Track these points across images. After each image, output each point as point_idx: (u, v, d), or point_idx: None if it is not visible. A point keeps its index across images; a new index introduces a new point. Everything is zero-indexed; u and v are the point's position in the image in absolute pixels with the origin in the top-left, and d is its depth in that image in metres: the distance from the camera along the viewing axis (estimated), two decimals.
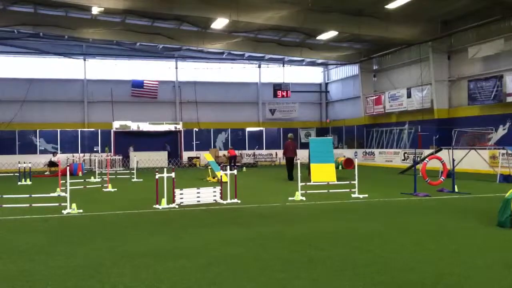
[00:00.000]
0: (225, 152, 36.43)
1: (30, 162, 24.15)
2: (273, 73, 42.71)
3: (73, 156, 34.97)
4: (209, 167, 23.28)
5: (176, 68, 40.90)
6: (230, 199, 13.88)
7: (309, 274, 6.32)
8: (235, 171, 14.68)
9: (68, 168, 13.05)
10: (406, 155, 30.86)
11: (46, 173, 28.74)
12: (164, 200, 12.91)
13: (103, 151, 36.66)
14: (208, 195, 13.87)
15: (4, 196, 12.28)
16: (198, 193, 13.73)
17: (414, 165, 16.77)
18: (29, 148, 35.84)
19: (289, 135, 23.87)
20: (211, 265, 6.79)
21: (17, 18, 29.92)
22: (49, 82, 37.80)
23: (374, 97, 36.74)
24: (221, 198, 13.88)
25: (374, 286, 5.82)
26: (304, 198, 14.24)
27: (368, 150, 36.00)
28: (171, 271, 6.52)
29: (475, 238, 8.64)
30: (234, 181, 14.36)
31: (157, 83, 39.19)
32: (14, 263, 7.06)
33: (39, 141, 36.64)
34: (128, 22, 31.59)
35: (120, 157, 34.74)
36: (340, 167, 29.58)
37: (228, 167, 17.05)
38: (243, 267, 6.73)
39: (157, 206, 12.88)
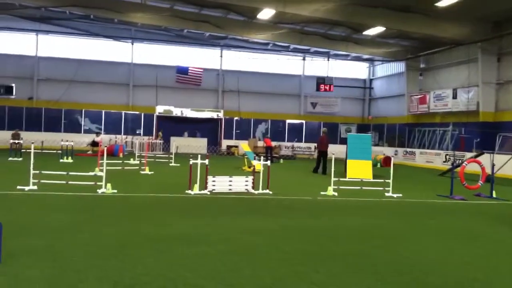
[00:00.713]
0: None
1: (72, 141, 24.83)
2: (317, 66, 42.44)
3: (116, 138, 35.76)
4: (246, 156, 23.44)
5: (221, 56, 41.14)
6: (262, 189, 13.92)
7: (328, 269, 6.30)
8: (268, 162, 14.68)
9: (106, 148, 13.36)
10: (447, 157, 30.20)
11: (88, 152, 29.46)
12: (196, 186, 13.07)
13: (146, 133, 37.27)
14: (240, 184, 13.96)
15: (43, 172, 12.66)
16: (230, 181, 13.83)
17: (453, 168, 16.43)
18: (74, 127, 36.88)
19: (323, 129, 24.26)
20: (232, 253, 6.86)
21: None
22: (97, 63, 38.67)
23: (419, 96, 36.05)
24: (252, 188, 13.94)
25: (392, 285, 5.77)
26: (336, 194, 14.15)
27: (409, 150, 35.39)
28: (191, 256, 6.62)
29: (505, 245, 8.43)
30: (268, 172, 14.39)
31: (201, 70, 39.52)
32: (42, 238, 7.29)
33: (84, 121, 37.62)
34: (176, 8, 31.95)
35: (161, 141, 35.28)
36: (378, 165, 29.20)
37: (262, 158, 16.95)
38: (263, 257, 6.77)
39: (189, 191, 13.05)
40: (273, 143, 36.70)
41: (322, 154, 22.43)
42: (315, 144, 25.23)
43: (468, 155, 25.87)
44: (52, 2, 31.34)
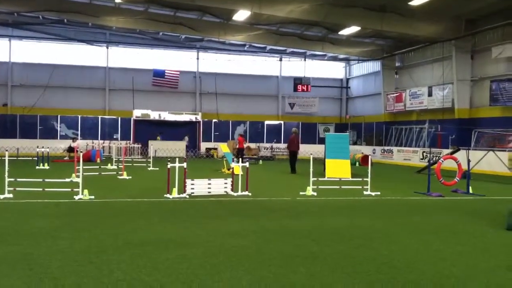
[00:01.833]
0: (248, 144, 36.44)
1: (48, 147, 24.53)
2: (294, 67, 42.60)
3: (93, 143, 35.42)
4: (225, 158, 23.36)
5: (198, 58, 41.03)
6: (241, 191, 13.90)
7: (307, 269, 6.31)
8: (247, 164, 14.67)
9: (81, 154, 13.21)
10: (424, 154, 30.53)
11: (65, 158, 29.13)
12: (175, 190, 13.00)
13: (123, 138, 36.98)
14: (219, 186, 13.92)
15: (18, 179, 12.46)
16: (209, 184, 13.78)
17: (429, 165, 16.59)
18: (50, 133, 36.40)
19: (293, 129, 24.86)
20: (211, 256, 6.83)
21: (42, 4, 30.37)
22: (72, 68, 38.24)
23: (395, 94, 36.43)
24: (232, 190, 13.92)
25: (370, 284, 5.79)
26: (315, 194, 14.20)
27: (386, 148, 35.71)
28: (170, 260, 6.57)
29: (482, 240, 8.52)
30: (246, 174, 14.38)
31: (178, 73, 39.36)
32: (19, 245, 7.19)
33: (60, 127, 37.15)
34: (151, 11, 31.77)
35: (139, 146, 35.03)
36: (357, 163, 29.42)
37: (235, 160, 16.87)
38: (242, 259, 6.74)
39: (167, 195, 12.97)
40: (251, 144, 36.80)
41: (293, 154, 23.12)
42: (286, 145, 25.53)
43: (445, 151, 26.20)
44: (25, 7, 30.90)
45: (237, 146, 28.36)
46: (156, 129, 37.08)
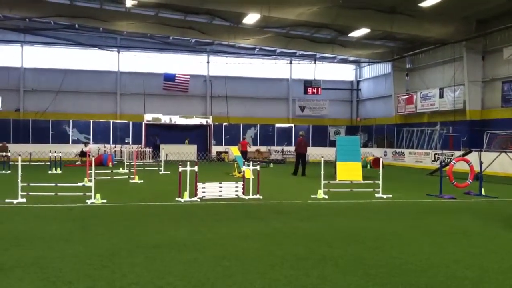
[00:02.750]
0: (258, 147, 36.56)
1: (61, 152, 24.70)
2: (304, 69, 42.54)
3: (105, 147, 35.62)
4: (235, 162, 23.41)
5: (208, 62, 41.14)
6: (252, 194, 13.92)
7: (319, 272, 6.30)
8: (258, 167, 14.68)
9: (94, 159, 13.30)
10: (436, 156, 30.37)
11: (77, 163, 29.31)
12: (186, 193, 13.04)
13: (135, 142, 37.15)
14: (230, 189, 13.96)
15: (31, 184, 12.57)
16: (220, 187, 13.82)
17: (441, 167, 16.51)
18: (62, 137, 36.64)
19: (301, 132, 25.22)
20: (223, 259, 6.84)
21: (53, 9, 30.58)
22: (84, 73, 38.52)
23: (406, 96, 36.28)
24: (243, 193, 13.94)
25: (383, 287, 5.78)
26: (326, 196, 14.17)
27: (398, 150, 35.57)
28: (182, 263, 6.60)
29: (495, 242, 8.47)
30: (257, 177, 14.40)
31: (188, 77, 39.51)
32: (33, 249, 7.26)
33: (72, 131, 37.39)
34: (161, 15, 31.93)
35: (150, 149, 35.17)
36: (368, 166, 29.34)
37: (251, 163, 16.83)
38: (254, 262, 6.76)
39: (179, 199, 13.02)
40: (261, 147, 36.87)
41: (301, 156, 23.36)
42: (294, 147, 25.89)
43: (457, 153, 26.04)
44: (36, 13, 31.18)
45: (241, 149, 28.36)
46: (164, 133, 37.19)
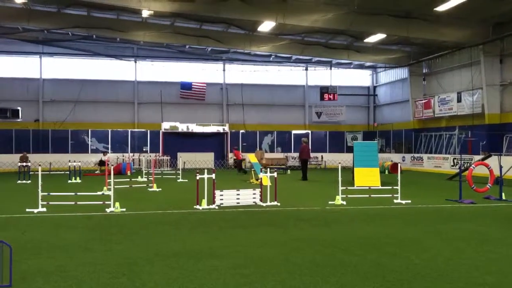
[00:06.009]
0: (274, 154, 36.64)
1: (80, 161, 24.95)
2: (320, 75, 42.45)
3: (123, 156, 35.89)
4: (253, 169, 23.45)
5: (224, 70, 41.29)
6: (270, 201, 13.93)
7: (338, 279, 6.30)
8: (275, 174, 14.68)
9: (112, 168, 13.42)
10: (455, 160, 30.08)
11: (96, 172, 29.59)
12: (204, 201, 13.10)
13: (153, 150, 37.38)
14: (247, 197, 13.99)
15: (51, 193, 12.73)
16: (238, 194, 13.87)
17: (460, 172, 16.36)
18: (81, 147, 36.97)
19: (303, 139, 26.32)
20: (241, 267, 6.87)
21: (71, 21, 30.94)
22: (101, 83, 38.91)
23: (424, 101, 36.02)
24: (260, 200, 13.95)
25: None
26: (344, 203, 14.12)
27: (416, 155, 35.30)
28: (201, 271, 6.64)
29: None
30: (275, 184, 14.41)
31: (205, 85, 39.68)
32: (53, 258, 7.36)
33: (90, 141, 37.70)
34: (177, 25, 32.16)
35: (168, 158, 35.36)
36: (386, 171, 29.16)
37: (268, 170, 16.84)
38: (273, 269, 6.76)
39: (197, 206, 13.08)
40: (278, 154, 36.92)
41: (304, 162, 24.72)
42: (298, 153, 27.06)
43: (476, 158, 25.77)
44: (54, 24, 31.62)
45: (235, 158, 30.50)
46: (181, 142, 37.39)
